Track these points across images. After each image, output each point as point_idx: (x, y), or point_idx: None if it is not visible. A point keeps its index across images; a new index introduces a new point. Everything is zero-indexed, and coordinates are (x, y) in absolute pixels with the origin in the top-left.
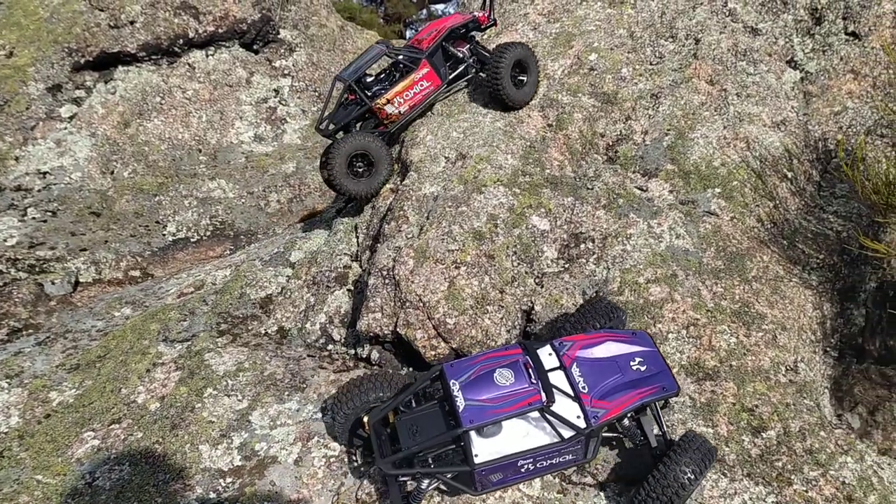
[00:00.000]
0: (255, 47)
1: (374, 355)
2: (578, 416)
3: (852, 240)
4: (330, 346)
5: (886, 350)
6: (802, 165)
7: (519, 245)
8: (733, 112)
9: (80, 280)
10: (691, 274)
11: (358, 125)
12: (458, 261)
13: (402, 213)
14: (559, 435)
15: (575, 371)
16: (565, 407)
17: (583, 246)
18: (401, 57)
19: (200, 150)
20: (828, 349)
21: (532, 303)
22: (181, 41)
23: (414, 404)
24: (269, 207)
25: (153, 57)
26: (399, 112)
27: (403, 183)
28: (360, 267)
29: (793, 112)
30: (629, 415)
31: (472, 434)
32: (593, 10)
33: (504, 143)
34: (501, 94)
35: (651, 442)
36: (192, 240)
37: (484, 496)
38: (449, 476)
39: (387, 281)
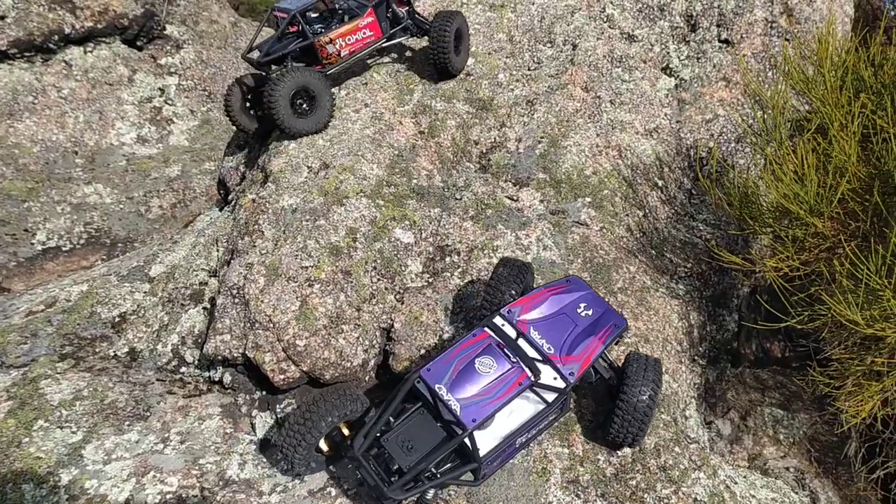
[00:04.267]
0: (138, 44)
1: (227, 378)
2: (555, 378)
3: (721, 248)
4: (183, 369)
5: (763, 352)
6: (673, 173)
7: (380, 260)
8: (606, 119)
9: None
10: None
11: (290, 63)
12: (312, 278)
13: (256, 227)
14: (544, 401)
15: (534, 334)
16: (541, 374)
17: (448, 259)
18: (350, 2)
19: (77, 153)
20: (696, 358)
21: (392, 320)
22: (57, 37)
23: (391, 420)
24: (151, 213)
25: (26, 54)
26: (339, 54)
27: (260, 195)
28: (218, 283)
29: (666, 119)
30: None
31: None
32: (474, 14)
33: (371, 151)
34: (446, 60)
35: (604, 375)
36: (63, 249)
37: None
38: (450, 477)
39: (236, 300)
